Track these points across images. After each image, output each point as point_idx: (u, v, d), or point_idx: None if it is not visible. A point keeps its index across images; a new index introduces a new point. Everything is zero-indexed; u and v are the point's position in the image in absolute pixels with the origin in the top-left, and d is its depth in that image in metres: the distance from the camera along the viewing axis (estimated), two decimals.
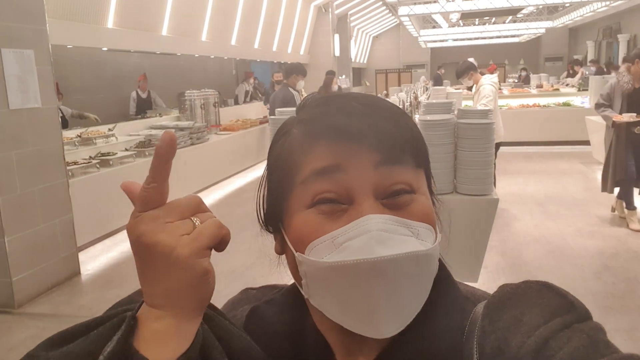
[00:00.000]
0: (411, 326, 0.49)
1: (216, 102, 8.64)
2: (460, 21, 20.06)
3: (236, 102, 10.97)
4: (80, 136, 5.66)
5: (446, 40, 22.10)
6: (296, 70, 6.22)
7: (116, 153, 5.62)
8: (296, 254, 0.51)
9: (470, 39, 21.52)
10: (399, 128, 0.53)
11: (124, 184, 0.46)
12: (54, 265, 4.04)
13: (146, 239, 0.44)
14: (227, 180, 8.06)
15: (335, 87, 9.55)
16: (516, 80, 15.73)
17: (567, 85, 12.19)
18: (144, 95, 8.61)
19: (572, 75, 13.05)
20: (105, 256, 4.74)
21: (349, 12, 16.33)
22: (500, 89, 9.23)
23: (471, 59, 6.15)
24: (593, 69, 12.45)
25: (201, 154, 6.96)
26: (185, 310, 0.45)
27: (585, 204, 5.72)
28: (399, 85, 12.44)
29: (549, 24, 17.54)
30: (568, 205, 5.74)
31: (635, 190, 4.92)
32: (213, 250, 0.47)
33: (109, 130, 6.19)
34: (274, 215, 0.57)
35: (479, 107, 4.71)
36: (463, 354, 0.51)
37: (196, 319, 0.46)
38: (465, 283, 0.61)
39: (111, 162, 5.37)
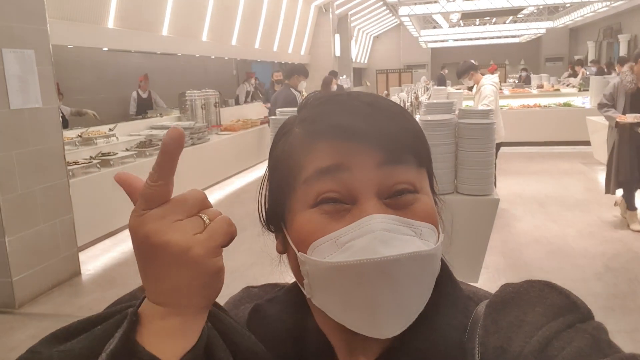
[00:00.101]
0: (413, 326, 0.49)
1: (217, 102, 8.64)
2: (460, 21, 20.06)
3: (237, 102, 10.98)
4: (80, 136, 5.66)
5: (447, 41, 22.10)
6: (298, 70, 6.22)
7: (117, 153, 5.62)
8: (298, 254, 0.51)
9: (470, 39, 21.52)
10: (401, 127, 0.53)
11: (118, 175, 0.45)
12: (55, 265, 4.05)
13: (156, 238, 0.42)
14: (227, 180, 8.06)
15: (334, 87, 9.55)
16: (516, 81, 15.73)
17: (568, 85, 12.19)
18: (144, 95, 8.61)
19: (574, 75, 13.05)
20: (106, 256, 4.75)
21: (350, 12, 16.34)
22: (500, 89, 9.22)
23: (471, 61, 6.15)
24: (594, 69, 12.45)
25: (202, 154, 6.96)
26: (192, 308, 0.44)
27: (586, 205, 5.72)
28: (400, 85, 12.44)
29: (549, 24, 17.54)
30: (569, 205, 5.74)
31: (638, 192, 4.89)
32: None
33: (110, 130, 6.19)
34: (276, 215, 0.56)
35: (481, 107, 4.71)
36: (465, 353, 0.51)
37: (202, 316, 0.45)
38: (467, 283, 0.61)
39: (112, 162, 5.38)
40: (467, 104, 6.73)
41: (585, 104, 9.86)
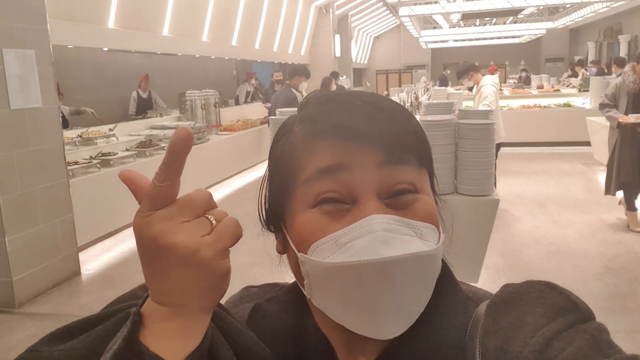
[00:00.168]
0: (413, 326, 0.49)
1: (217, 102, 8.64)
2: (461, 22, 20.05)
3: (237, 103, 10.98)
4: (81, 136, 5.66)
5: (447, 41, 22.09)
6: (300, 71, 6.23)
7: (117, 153, 5.62)
8: (299, 255, 0.51)
9: (471, 39, 21.51)
10: (402, 127, 0.52)
11: (122, 173, 0.44)
12: (55, 265, 4.04)
13: (163, 240, 0.42)
14: (227, 181, 8.06)
15: (333, 88, 9.55)
16: (516, 81, 15.73)
17: (568, 85, 12.19)
18: (144, 96, 8.61)
19: (574, 76, 13.06)
20: (106, 256, 4.75)
21: (350, 13, 16.34)
22: (501, 89, 9.23)
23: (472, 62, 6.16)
24: (594, 69, 12.45)
25: (202, 154, 6.96)
26: (197, 309, 0.44)
27: (587, 205, 5.72)
28: (400, 85, 12.45)
29: (549, 24, 17.53)
30: (569, 206, 5.74)
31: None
32: None
33: (110, 130, 6.19)
34: (276, 215, 0.56)
35: (482, 108, 4.71)
36: (465, 353, 0.51)
37: (206, 317, 0.45)
38: (467, 283, 0.61)
39: (112, 162, 5.37)
40: (467, 104, 6.73)
41: (586, 105, 9.86)
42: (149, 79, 8.59)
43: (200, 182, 6.84)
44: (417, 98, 5.83)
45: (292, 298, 0.60)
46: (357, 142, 0.50)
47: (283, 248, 0.56)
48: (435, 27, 18.51)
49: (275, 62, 13.43)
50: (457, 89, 8.82)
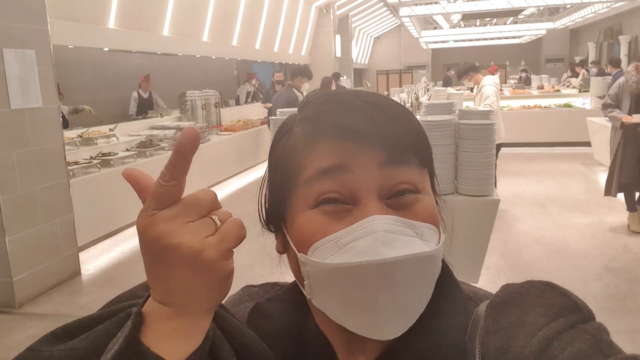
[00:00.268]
0: (414, 326, 0.49)
1: (217, 102, 8.65)
2: (461, 22, 20.05)
3: (237, 103, 10.98)
4: (81, 136, 5.66)
5: (447, 42, 22.09)
6: (302, 72, 6.25)
7: (117, 153, 5.62)
8: (299, 255, 0.51)
9: (471, 40, 21.50)
10: (404, 127, 0.52)
11: (126, 172, 0.44)
12: (55, 265, 4.04)
13: (167, 240, 0.41)
14: (227, 181, 8.07)
15: (333, 89, 9.55)
16: (517, 82, 15.73)
17: (568, 86, 12.18)
18: (145, 96, 8.61)
19: (574, 76, 13.06)
20: (106, 256, 4.75)
21: (350, 13, 16.34)
22: (501, 90, 9.24)
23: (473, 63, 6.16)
24: (594, 70, 12.45)
25: (202, 154, 6.96)
26: (200, 309, 0.44)
27: (587, 205, 5.71)
28: (400, 86, 12.45)
29: (550, 25, 17.53)
30: (569, 206, 5.74)
31: None
32: None
33: (110, 130, 6.19)
34: (276, 215, 0.56)
35: (483, 108, 4.71)
36: (466, 353, 0.51)
37: (208, 317, 0.45)
38: (467, 283, 0.61)
39: (112, 162, 5.37)
40: (467, 104, 6.73)
41: (586, 105, 9.86)
42: (149, 79, 8.59)
43: (201, 182, 6.84)
44: (417, 98, 5.83)
45: (292, 297, 0.60)
46: (358, 142, 0.50)
47: (283, 248, 0.56)
48: (435, 28, 18.51)
49: (276, 62, 13.44)
50: (457, 90, 8.82)
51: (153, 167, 5.67)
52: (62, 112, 5.12)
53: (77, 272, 4.28)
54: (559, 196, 6.21)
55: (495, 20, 20.27)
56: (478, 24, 20.77)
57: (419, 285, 0.49)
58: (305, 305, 0.57)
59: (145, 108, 8.48)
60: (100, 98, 8.73)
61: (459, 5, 12.70)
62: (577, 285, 3.64)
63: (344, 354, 0.55)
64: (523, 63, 22.42)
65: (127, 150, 6.01)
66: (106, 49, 7.26)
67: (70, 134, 5.62)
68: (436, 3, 12.64)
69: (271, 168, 0.58)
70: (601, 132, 7.27)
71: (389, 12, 18.77)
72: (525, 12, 17.12)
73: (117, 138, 6.23)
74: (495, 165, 3.27)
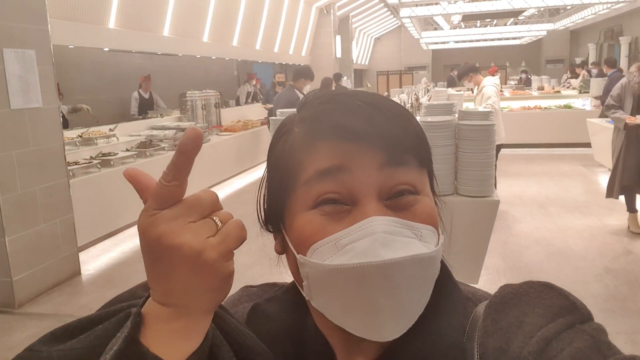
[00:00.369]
0: (413, 326, 0.49)
1: (217, 102, 8.65)
2: (461, 23, 20.08)
3: (237, 103, 10.98)
4: (81, 136, 5.67)
5: (447, 42, 22.10)
6: (305, 74, 6.27)
7: (117, 153, 5.63)
8: (298, 256, 0.51)
9: (471, 41, 21.51)
10: (403, 128, 0.52)
11: (127, 172, 0.44)
12: (55, 265, 4.04)
13: (168, 240, 0.41)
14: (227, 181, 8.07)
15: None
16: (517, 83, 15.73)
17: (569, 87, 12.18)
18: (146, 96, 8.62)
19: (575, 77, 13.06)
20: (106, 256, 4.75)
21: (351, 14, 16.35)
22: (501, 91, 9.25)
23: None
24: (595, 71, 12.46)
25: (202, 154, 6.79)
26: (200, 310, 0.44)
27: (587, 206, 5.71)
28: (401, 87, 12.46)
29: (550, 26, 17.54)
30: (569, 207, 5.74)
31: None
32: None
33: (110, 130, 6.20)
34: (275, 215, 0.56)
35: (484, 108, 4.71)
36: (464, 354, 0.51)
37: (208, 318, 0.45)
38: (466, 283, 0.61)
39: (112, 162, 5.38)
40: (467, 105, 6.73)
41: (586, 106, 9.86)
42: (150, 79, 8.59)
43: (201, 182, 6.84)
44: (417, 99, 5.84)
45: (291, 298, 0.60)
46: (358, 143, 0.50)
47: (282, 249, 0.56)
48: (436, 29, 18.53)
49: (276, 62, 13.44)
50: (457, 90, 8.82)
51: (153, 167, 5.67)
52: (61, 112, 5.13)
53: (77, 272, 4.28)
54: (559, 197, 6.21)
55: (495, 21, 20.29)
56: (478, 24, 20.78)
57: (418, 287, 0.48)
58: (304, 305, 0.57)
59: (145, 108, 8.48)
60: (100, 98, 8.73)
61: (460, 6, 12.71)
62: (577, 286, 3.64)
63: (342, 354, 0.55)
64: (523, 64, 22.42)
65: (127, 150, 6.01)
66: (106, 49, 7.26)
67: (70, 134, 5.63)
68: (436, 4, 12.65)
69: (270, 168, 0.57)
70: (601, 133, 7.27)
71: (389, 12, 18.78)
72: (525, 13, 17.14)
73: (117, 138, 6.23)
74: (495, 166, 3.27)
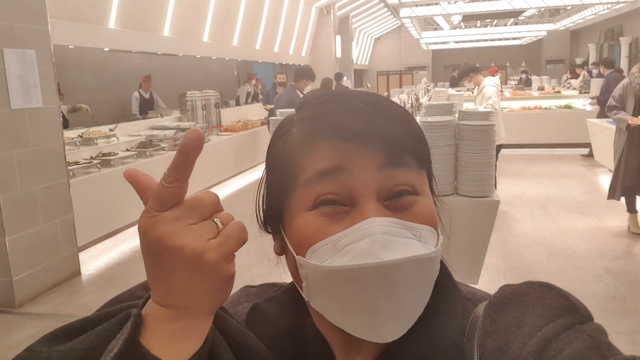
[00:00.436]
0: (412, 327, 0.49)
1: (217, 102, 8.65)
2: (461, 23, 20.08)
3: (237, 103, 10.98)
4: (81, 136, 5.67)
5: (448, 43, 22.11)
6: (306, 74, 6.29)
7: (117, 153, 5.63)
8: (297, 258, 0.51)
9: (471, 41, 21.52)
10: (403, 128, 0.52)
11: (127, 172, 0.43)
12: (55, 265, 4.04)
13: (169, 241, 0.41)
14: (227, 181, 8.07)
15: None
16: (517, 83, 15.73)
17: (569, 87, 12.18)
18: (146, 96, 8.62)
19: (575, 77, 13.06)
20: (106, 256, 4.75)
21: (351, 14, 16.35)
22: (501, 91, 9.25)
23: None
24: (595, 71, 12.46)
25: (202, 154, 6.72)
26: (200, 312, 0.44)
27: (587, 207, 5.71)
28: (401, 87, 12.45)
29: (550, 26, 17.55)
30: (569, 207, 5.73)
31: None
32: None
33: (110, 130, 6.20)
34: (274, 216, 0.56)
35: (485, 108, 4.71)
36: (464, 354, 0.51)
37: (208, 319, 0.45)
38: (466, 284, 0.61)
39: (112, 162, 5.38)
40: (467, 105, 6.73)
41: (586, 107, 9.86)
42: (150, 79, 8.60)
43: (201, 182, 6.85)
44: (417, 99, 5.84)
45: (291, 298, 0.60)
46: (357, 144, 0.49)
47: (281, 250, 0.56)
48: (436, 29, 18.53)
49: (276, 62, 13.44)
50: (457, 90, 8.82)
51: (153, 167, 5.67)
52: (62, 112, 5.13)
53: (77, 272, 4.28)
54: (559, 197, 6.21)
55: (495, 21, 20.29)
56: (478, 25, 20.78)
57: (418, 287, 0.48)
58: (303, 305, 0.57)
59: (146, 108, 8.49)
60: (100, 98, 8.74)
61: (460, 7, 12.72)
62: (577, 287, 3.64)
63: (342, 355, 0.55)
64: (523, 64, 22.42)
65: (127, 150, 6.01)
66: (106, 49, 7.27)
67: (71, 134, 5.63)
68: (437, 4, 12.65)
69: (269, 169, 0.57)
70: (601, 133, 7.27)
71: (389, 13, 18.78)
72: (525, 14, 17.14)
73: (117, 138, 6.23)
74: (495, 166, 3.27)
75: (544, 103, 10.37)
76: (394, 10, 15.54)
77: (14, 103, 3.64)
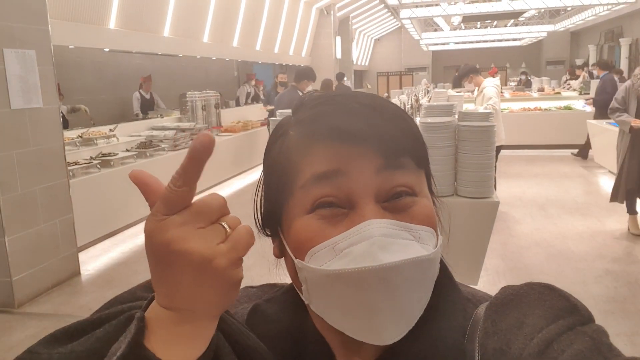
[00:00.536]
0: (413, 328, 0.49)
1: (217, 103, 8.65)
2: (461, 24, 20.08)
3: (237, 104, 10.98)
4: (81, 136, 5.66)
5: (448, 44, 22.12)
6: (307, 75, 6.30)
7: (117, 154, 5.62)
8: (296, 261, 0.50)
9: (471, 42, 21.54)
10: (401, 130, 0.52)
11: (133, 173, 0.43)
12: (54, 265, 4.04)
13: (178, 246, 0.40)
14: (227, 182, 8.07)
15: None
16: (517, 84, 15.73)
17: (569, 88, 12.18)
18: (147, 96, 8.63)
19: (576, 78, 13.06)
20: (106, 256, 4.74)
21: (351, 15, 16.36)
22: (501, 92, 9.25)
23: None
24: (595, 72, 12.46)
25: None
26: (206, 315, 0.43)
27: (587, 208, 5.71)
28: (401, 88, 12.46)
29: (550, 27, 17.55)
30: (569, 208, 5.73)
31: None
32: None
33: (110, 130, 6.19)
34: (272, 219, 0.55)
35: (485, 109, 4.71)
36: (465, 355, 0.51)
37: (213, 323, 0.44)
38: (466, 285, 0.60)
39: (112, 163, 5.37)
40: (467, 106, 6.73)
41: (586, 108, 9.86)
42: (151, 79, 8.60)
43: (201, 183, 6.79)
44: (417, 100, 5.84)
45: (291, 298, 0.60)
46: (355, 146, 0.49)
47: (280, 252, 0.56)
48: (436, 30, 18.54)
49: (276, 63, 13.44)
50: (457, 91, 8.83)
51: (153, 167, 5.67)
52: (61, 112, 5.13)
53: (77, 272, 4.28)
54: (559, 198, 6.21)
55: (495, 22, 20.28)
56: (479, 26, 20.79)
57: (418, 289, 0.48)
58: (303, 306, 0.57)
59: (147, 108, 8.50)
60: (100, 98, 8.74)
61: (460, 8, 12.72)
62: (577, 288, 3.64)
63: (342, 355, 0.55)
64: (523, 65, 22.43)
65: (127, 150, 6.00)
66: (107, 50, 7.27)
67: (71, 134, 5.63)
68: (437, 5, 12.65)
69: (266, 171, 0.57)
70: (601, 134, 7.27)
71: (389, 14, 18.79)
72: (525, 15, 17.14)
73: (117, 138, 6.23)
74: (495, 167, 3.27)
75: (544, 104, 10.37)
76: (394, 11, 15.54)
77: (14, 103, 3.64)
